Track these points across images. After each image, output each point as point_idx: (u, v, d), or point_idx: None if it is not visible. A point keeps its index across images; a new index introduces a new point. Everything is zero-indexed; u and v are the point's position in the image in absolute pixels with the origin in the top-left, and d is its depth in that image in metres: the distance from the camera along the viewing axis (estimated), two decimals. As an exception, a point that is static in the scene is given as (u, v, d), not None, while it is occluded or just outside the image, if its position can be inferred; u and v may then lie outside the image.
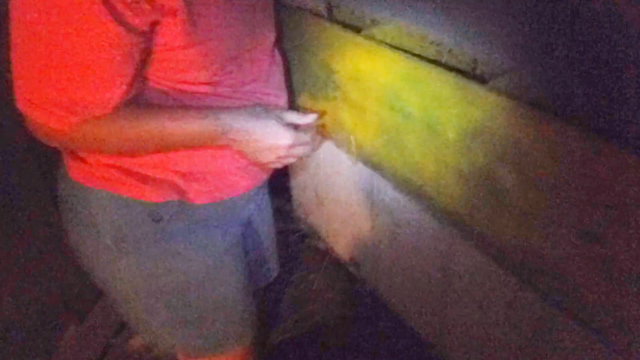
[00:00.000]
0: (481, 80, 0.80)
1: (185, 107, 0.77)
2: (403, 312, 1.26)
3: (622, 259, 0.68)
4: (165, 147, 0.78)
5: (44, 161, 1.19)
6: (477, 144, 0.81)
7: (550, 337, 0.86)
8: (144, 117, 0.73)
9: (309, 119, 0.92)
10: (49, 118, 0.67)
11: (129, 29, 0.62)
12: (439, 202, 0.95)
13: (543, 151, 0.72)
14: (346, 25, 1.00)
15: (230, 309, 0.96)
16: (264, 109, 0.84)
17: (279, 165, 0.90)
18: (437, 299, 1.10)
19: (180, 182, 0.82)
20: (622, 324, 0.72)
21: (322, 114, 0.93)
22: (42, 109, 0.67)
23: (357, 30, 0.98)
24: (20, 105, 0.67)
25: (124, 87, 0.68)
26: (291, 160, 0.90)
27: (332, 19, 1.04)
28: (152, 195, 0.80)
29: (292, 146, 0.86)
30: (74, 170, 0.82)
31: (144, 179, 0.80)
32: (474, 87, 0.78)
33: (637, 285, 0.68)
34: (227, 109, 0.80)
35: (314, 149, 0.96)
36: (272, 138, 0.84)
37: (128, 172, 0.80)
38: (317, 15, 1.06)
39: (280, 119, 0.85)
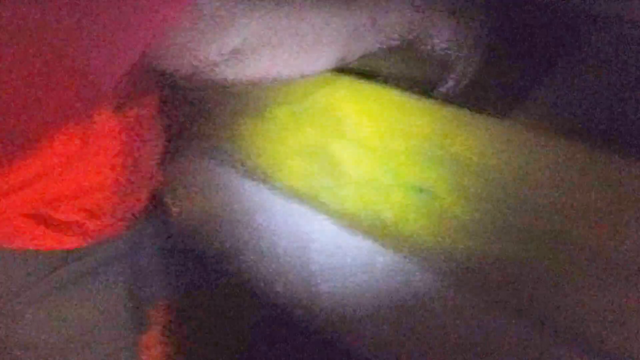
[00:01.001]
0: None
1: None
2: (274, 295, 1.27)
3: (452, 208, 0.73)
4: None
5: None
6: (302, 120, 0.83)
7: (411, 290, 0.90)
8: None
9: None
10: None
11: None
12: (281, 181, 0.97)
13: (365, 114, 0.75)
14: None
15: (125, 344, 0.92)
16: None
17: None
18: (302, 274, 1.12)
19: (85, 221, 0.75)
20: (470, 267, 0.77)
21: None
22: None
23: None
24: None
25: None
26: None
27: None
28: (58, 243, 0.73)
29: None
30: None
31: (49, 225, 0.71)
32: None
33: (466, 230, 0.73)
34: None
35: None
36: None
37: (34, 219, 0.70)
38: None
39: None
